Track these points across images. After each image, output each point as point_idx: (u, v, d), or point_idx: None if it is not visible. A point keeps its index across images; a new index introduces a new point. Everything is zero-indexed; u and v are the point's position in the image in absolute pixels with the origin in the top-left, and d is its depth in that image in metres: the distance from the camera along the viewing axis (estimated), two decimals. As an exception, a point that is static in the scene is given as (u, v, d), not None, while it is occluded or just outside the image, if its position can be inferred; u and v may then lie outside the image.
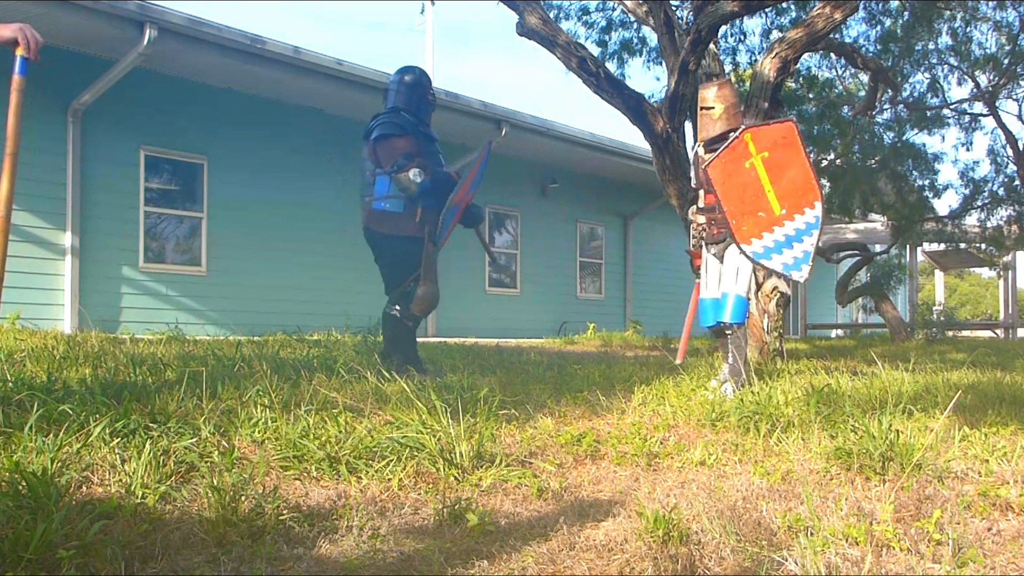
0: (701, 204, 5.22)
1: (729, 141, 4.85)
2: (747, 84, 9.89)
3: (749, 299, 5.19)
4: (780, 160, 4.87)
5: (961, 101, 14.27)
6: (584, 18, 11.82)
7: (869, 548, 2.04)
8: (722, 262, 5.09)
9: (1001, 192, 14.19)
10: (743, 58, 12.46)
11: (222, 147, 10.43)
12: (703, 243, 5.18)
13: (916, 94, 13.79)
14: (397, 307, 5.31)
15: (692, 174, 5.47)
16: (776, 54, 7.63)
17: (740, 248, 4.88)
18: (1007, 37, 13.03)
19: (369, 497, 2.56)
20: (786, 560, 1.99)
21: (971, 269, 35.37)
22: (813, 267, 4.88)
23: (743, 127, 4.99)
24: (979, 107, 14.13)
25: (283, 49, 9.60)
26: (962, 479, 2.86)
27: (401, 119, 5.27)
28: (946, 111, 14.08)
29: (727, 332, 5.06)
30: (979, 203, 14.35)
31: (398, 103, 5.37)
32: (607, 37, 11.83)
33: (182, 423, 2.96)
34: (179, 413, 3.13)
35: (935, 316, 15.38)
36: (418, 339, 5.63)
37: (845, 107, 13.52)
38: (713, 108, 5.12)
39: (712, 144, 5.11)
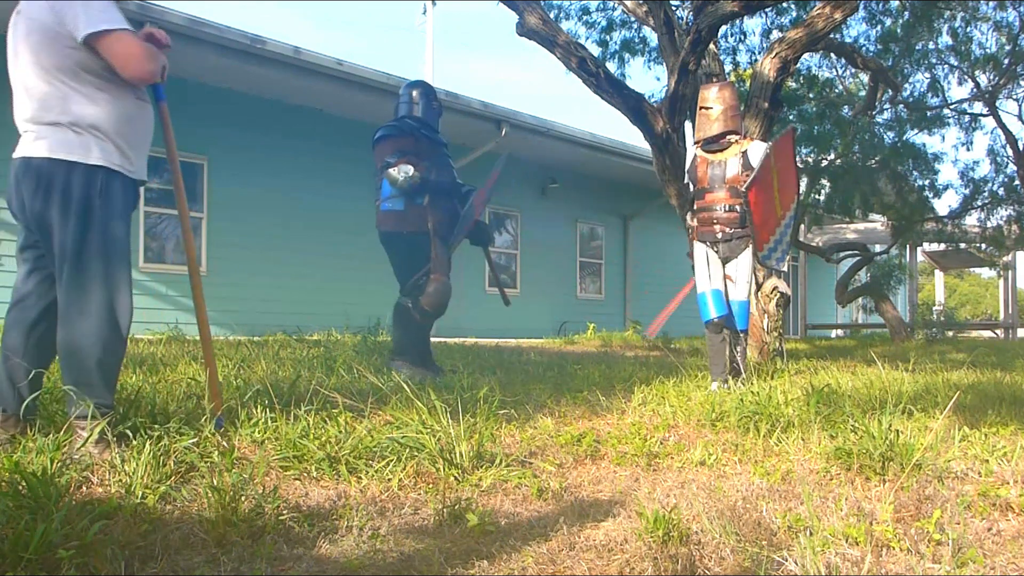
0: (695, 207, 5.37)
1: (761, 163, 5.05)
2: (747, 84, 9.89)
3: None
4: (783, 167, 5.25)
5: (961, 101, 14.27)
6: (584, 18, 11.81)
7: (869, 548, 2.04)
8: (725, 265, 5.23)
9: (1001, 192, 14.18)
10: (743, 58, 12.45)
11: (222, 147, 10.43)
12: (705, 242, 5.27)
13: (916, 94, 13.79)
14: (408, 301, 5.40)
15: (688, 176, 5.50)
16: (776, 54, 7.63)
17: (757, 254, 5.21)
18: (1007, 37, 13.03)
19: (369, 497, 2.56)
20: (786, 560, 1.99)
21: (971, 269, 35.35)
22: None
23: (769, 144, 5.21)
24: (979, 107, 14.14)
25: (283, 49, 9.60)
26: (962, 479, 2.85)
27: (403, 123, 5.47)
28: (946, 111, 14.08)
29: (735, 337, 5.21)
30: (979, 203, 14.34)
31: (404, 112, 5.59)
32: (608, 37, 11.81)
33: (182, 423, 2.96)
34: (179, 413, 3.13)
35: (935, 316, 15.36)
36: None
37: (845, 107, 13.50)
38: (712, 108, 5.23)
39: (708, 145, 5.26)
